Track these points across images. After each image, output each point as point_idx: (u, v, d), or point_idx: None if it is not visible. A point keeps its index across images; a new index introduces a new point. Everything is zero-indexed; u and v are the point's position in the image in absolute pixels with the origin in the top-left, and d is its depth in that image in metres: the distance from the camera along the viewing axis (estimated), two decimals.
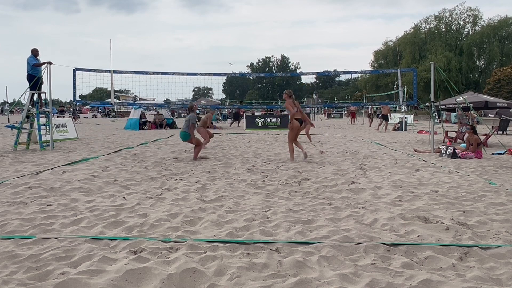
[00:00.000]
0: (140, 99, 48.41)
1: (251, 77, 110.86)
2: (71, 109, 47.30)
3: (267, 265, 3.18)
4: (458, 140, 14.13)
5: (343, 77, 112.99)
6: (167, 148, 12.22)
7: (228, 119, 37.60)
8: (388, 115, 23.24)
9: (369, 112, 31.47)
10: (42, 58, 11.89)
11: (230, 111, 37.93)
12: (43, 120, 11.99)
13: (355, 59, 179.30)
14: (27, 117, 11.67)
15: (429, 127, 13.77)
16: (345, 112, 47.45)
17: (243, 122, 28.15)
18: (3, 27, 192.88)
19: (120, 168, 8.03)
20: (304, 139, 13.74)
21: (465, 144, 11.04)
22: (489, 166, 8.60)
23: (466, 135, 14.47)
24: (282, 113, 26.49)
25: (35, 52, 11.70)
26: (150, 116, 28.43)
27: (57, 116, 31.32)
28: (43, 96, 12.07)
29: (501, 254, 3.43)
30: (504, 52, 57.44)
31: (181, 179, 6.89)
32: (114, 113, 51.58)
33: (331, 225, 4.26)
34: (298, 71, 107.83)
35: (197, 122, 10.32)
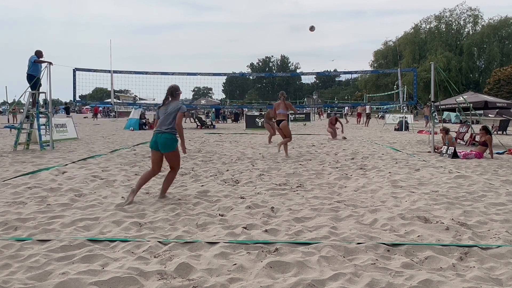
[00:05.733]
0: (140, 99, 48.41)
1: (251, 77, 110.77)
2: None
3: (267, 265, 3.18)
4: (458, 140, 14.13)
5: (343, 77, 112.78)
6: None
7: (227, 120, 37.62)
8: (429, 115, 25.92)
9: (365, 112, 31.63)
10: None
11: (231, 111, 37.96)
12: (43, 120, 11.99)
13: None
14: (27, 117, 11.67)
15: (429, 127, 13.78)
16: (345, 112, 47.55)
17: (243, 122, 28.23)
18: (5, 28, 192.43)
19: (120, 168, 8.03)
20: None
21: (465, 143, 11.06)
22: (489, 166, 8.60)
23: (467, 135, 14.56)
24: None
25: (38, 54, 11.68)
26: (150, 116, 28.46)
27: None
28: (42, 96, 12.06)
29: (501, 254, 3.43)
30: (504, 52, 57.45)
31: (182, 180, 6.89)
32: (114, 113, 51.59)
33: (331, 225, 4.26)
34: (298, 71, 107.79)
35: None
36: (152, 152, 5.34)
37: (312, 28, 11.46)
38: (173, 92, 5.37)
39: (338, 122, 17.14)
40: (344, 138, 16.28)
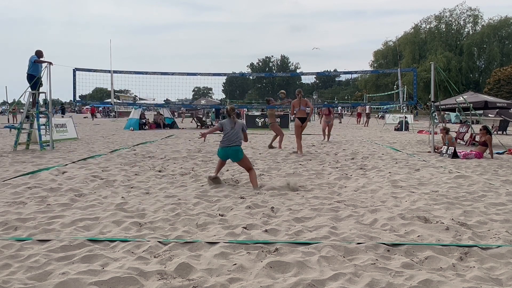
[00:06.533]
0: (140, 99, 48.43)
1: (251, 77, 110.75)
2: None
3: (267, 265, 3.18)
4: (458, 140, 14.13)
5: (343, 77, 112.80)
6: (168, 148, 12.22)
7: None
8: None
9: (363, 112, 31.83)
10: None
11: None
12: (43, 120, 11.99)
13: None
14: (27, 117, 11.67)
15: (429, 127, 13.78)
16: (345, 112, 47.72)
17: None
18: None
19: (120, 168, 8.02)
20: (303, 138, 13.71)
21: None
22: (489, 166, 8.60)
23: (467, 135, 14.56)
24: (282, 113, 26.53)
25: (38, 54, 11.67)
26: (150, 116, 28.49)
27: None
28: (42, 96, 12.07)
29: (501, 254, 3.43)
30: (504, 52, 57.45)
31: (182, 180, 6.89)
32: (114, 113, 51.61)
33: (331, 225, 4.26)
34: (298, 71, 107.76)
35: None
36: (220, 161, 6.63)
37: (282, 94, 12.94)
38: (230, 111, 6.65)
39: (331, 114, 15.84)
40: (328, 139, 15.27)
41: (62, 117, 31.83)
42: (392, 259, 3.37)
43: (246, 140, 6.83)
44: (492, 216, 4.57)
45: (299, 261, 3.24)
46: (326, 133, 15.51)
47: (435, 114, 12.06)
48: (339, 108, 40.59)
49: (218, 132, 6.74)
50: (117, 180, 6.68)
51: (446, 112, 29.89)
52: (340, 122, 34.41)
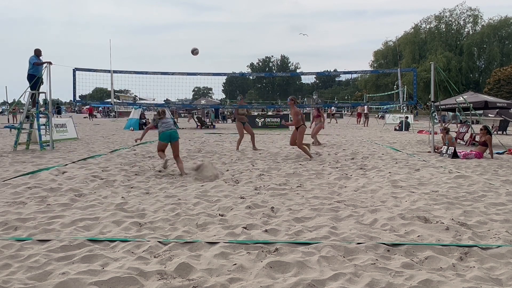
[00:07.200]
0: (140, 99, 48.43)
1: (251, 77, 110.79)
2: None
3: (267, 265, 3.18)
4: (458, 140, 14.13)
5: (343, 77, 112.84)
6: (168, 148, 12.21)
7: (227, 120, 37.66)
8: None
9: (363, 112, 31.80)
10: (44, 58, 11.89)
11: (231, 111, 37.96)
12: (43, 120, 11.99)
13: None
14: (27, 117, 11.67)
15: (429, 127, 13.78)
16: (346, 112, 47.53)
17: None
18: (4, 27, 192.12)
19: (120, 168, 8.02)
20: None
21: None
22: (489, 166, 8.60)
23: (467, 135, 14.56)
24: (282, 113, 26.63)
25: (37, 52, 11.69)
26: (150, 116, 28.51)
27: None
28: (42, 96, 12.07)
29: (501, 254, 3.44)
30: (504, 52, 57.44)
31: (182, 180, 6.89)
32: (114, 113, 51.61)
33: (331, 225, 4.26)
34: (298, 71, 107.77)
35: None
36: (163, 145, 7.78)
37: (194, 52, 12.00)
38: (161, 113, 7.90)
39: (321, 116, 14.04)
40: (318, 143, 13.54)
41: (57, 117, 31.80)
42: (392, 259, 3.37)
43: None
44: (492, 216, 4.57)
45: (299, 261, 3.24)
46: (315, 138, 13.76)
47: (435, 114, 12.04)
48: (333, 108, 39.77)
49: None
50: (117, 180, 6.68)
51: (447, 112, 29.86)
52: (336, 123, 34.39)
